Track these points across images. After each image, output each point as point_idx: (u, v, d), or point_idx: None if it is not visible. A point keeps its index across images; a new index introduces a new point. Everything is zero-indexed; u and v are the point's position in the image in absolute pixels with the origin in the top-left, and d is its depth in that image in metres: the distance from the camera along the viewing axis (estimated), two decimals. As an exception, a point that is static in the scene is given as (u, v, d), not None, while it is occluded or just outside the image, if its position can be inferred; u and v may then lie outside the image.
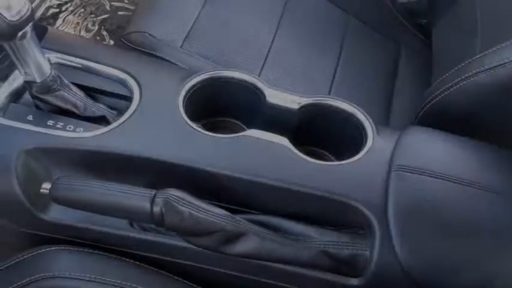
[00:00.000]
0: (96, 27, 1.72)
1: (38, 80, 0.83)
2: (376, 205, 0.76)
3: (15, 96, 0.90)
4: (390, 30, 1.38)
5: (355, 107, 0.91)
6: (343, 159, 0.85)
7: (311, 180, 0.79)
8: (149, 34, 1.14)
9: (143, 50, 1.10)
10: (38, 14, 1.71)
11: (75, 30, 1.70)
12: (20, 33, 0.75)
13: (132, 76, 0.90)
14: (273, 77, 1.13)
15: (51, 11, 1.74)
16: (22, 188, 0.78)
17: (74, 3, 1.77)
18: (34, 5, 1.72)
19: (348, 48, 1.29)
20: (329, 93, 1.16)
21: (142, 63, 0.96)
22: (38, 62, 0.82)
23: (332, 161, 0.95)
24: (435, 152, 0.85)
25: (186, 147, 0.82)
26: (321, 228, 0.79)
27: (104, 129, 0.84)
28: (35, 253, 0.77)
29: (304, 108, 0.91)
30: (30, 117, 0.85)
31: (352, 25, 1.35)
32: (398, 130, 0.90)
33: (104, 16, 1.76)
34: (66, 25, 1.71)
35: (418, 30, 1.40)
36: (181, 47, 1.14)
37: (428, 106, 0.98)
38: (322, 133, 0.95)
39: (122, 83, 0.91)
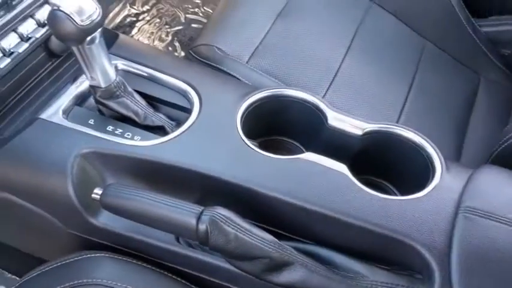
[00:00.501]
0: (170, 38, 1.76)
1: (103, 86, 0.85)
2: (438, 249, 0.69)
3: (80, 99, 0.92)
4: (470, 59, 1.29)
5: (424, 139, 0.84)
6: (405, 193, 0.79)
7: (369, 214, 0.74)
8: (217, 48, 1.13)
9: (210, 63, 1.09)
10: (116, 21, 1.78)
11: (149, 40, 1.75)
12: (88, 38, 0.77)
13: (194, 88, 0.90)
14: (338, 99, 1.09)
15: (129, 19, 1.79)
16: (75, 190, 0.79)
17: (150, 13, 1.82)
18: (113, 13, 1.79)
19: (423, 75, 1.22)
20: (397, 122, 1.10)
21: (206, 77, 0.95)
22: (104, 68, 0.83)
23: (392, 193, 0.89)
24: (510, 196, 0.77)
25: (240, 165, 0.79)
26: (373, 266, 0.73)
27: (161, 139, 0.83)
28: (79, 257, 0.77)
29: (369, 135, 0.86)
30: (91, 121, 0.87)
31: (429, 51, 1.28)
32: (470, 168, 0.82)
33: (178, 28, 1.79)
34: (141, 34, 1.76)
35: (500, 61, 1.30)
36: (247, 62, 1.12)
37: (505, 144, 0.90)
38: (384, 163, 0.89)
39: (184, 94, 0.90)
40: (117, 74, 0.87)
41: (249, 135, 0.85)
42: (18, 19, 0.89)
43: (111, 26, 1.75)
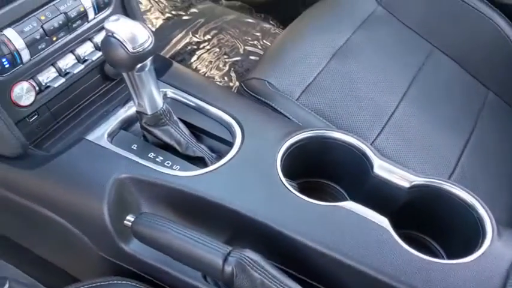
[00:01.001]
0: (227, 68, 1.77)
1: (149, 113, 0.85)
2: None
3: (127, 123, 0.93)
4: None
5: (477, 199, 0.78)
6: (449, 253, 0.74)
7: (407, 275, 0.69)
8: (268, 83, 1.12)
9: (259, 97, 1.08)
10: (177, 48, 1.82)
11: (207, 68, 1.78)
12: (139, 65, 0.78)
13: (238, 122, 0.89)
14: (387, 147, 1.04)
15: (190, 47, 1.83)
16: (110, 214, 0.79)
17: (211, 42, 1.85)
18: (175, 40, 1.84)
19: (482, 128, 1.15)
20: (450, 176, 1.03)
21: (252, 111, 0.94)
22: (152, 96, 0.84)
23: (436, 250, 0.83)
24: None
25: (274, 207, 0.77)
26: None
27: (199, 171, 0.83)
28: (106, 283, 0.76)
29: (416, 188, 0.81)
30: (134, 147, 0.87)
31: (491, 102, 1.22)
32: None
33: (235, 58, 1.81)
34: (200, 62, 1.79)
35: None
36: (297, 99, 1.11)
37: None
38: (430, 219, 0.83)
39: (228, 127, 0.89)
40: (165, 101, 0.87)
41: (289, 175, 0.82)
42: (76, 41, 0.92)
43: (171, 52, 1.80)
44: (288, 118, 1.03)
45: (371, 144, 0.87)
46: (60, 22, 0.87)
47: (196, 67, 1.77)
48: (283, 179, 0.80)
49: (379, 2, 1.37)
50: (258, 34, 1.90)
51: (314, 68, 1.17)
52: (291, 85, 1.13)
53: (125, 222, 0.75)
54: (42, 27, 0.85)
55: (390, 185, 0.82)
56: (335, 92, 1.13)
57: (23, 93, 0.86)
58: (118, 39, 0.75)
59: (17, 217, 0.93)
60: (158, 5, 1.94)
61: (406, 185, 0.81)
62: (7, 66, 0.82)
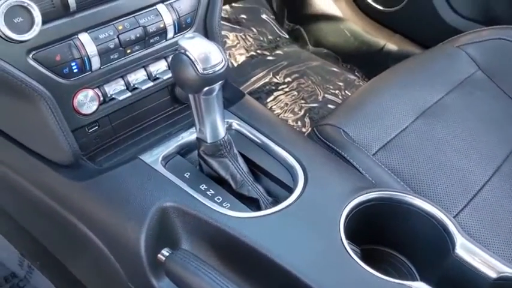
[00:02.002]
0: (302, 113, 1.71)
1: (209, 141, 0.78)
2: None
3: (185, 149, 0.86)
4: None
5: None
6: None
7: None
8: (344, 132, 1.03)
9: (331, 145, 0.99)
10: (256, 86, 1.78)
11: (281, 110, 1.72)
12: (206, 88, 0.71)
13: (302, 167, 0.79)
14: (472, 225, 0.89)
15: (268, 87, 1.79)
16: (147, 242, 0.72)
17: (290, 85, 1.80)
18: (255, 77, 1.80)
19: None
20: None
21: (320, 158, 0.84)
22: (215, 123, 0.77)
23: None
24: None
25: (332, 274, 0.65)
26: None
27: (251, 214, 0.73)
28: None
29: (504, 281, 0.67)
30: (187, 175, 0.80)
31: None
32: None
33: (313, 105, 1.74)
34: (276, 103, 1.73)
35: None
36: (374, 155, 1.00)
37: None
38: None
39: (290, 170, 0.80)
40: (228, 132, 0.80)
41: (352, 238, 0.71)
42: (150, 57, 0.88)
43: (249, 89, 1.76)
44: (360, 172, 0.92)
45: (454, 218, 0.74)
46: (138, 35, 0.84)
47: (271, 107, 1.71)
48: (345, 242, 0.68)
49: (479, 66, 1.25)
50: (340, 84, 1.82)
51: (397, 125, 1.07)
52: (368, 138, 1.03)
53: (159, 256, 0.67)
54: (118, 37, 0.82)
55: (473, 271, 0.68)
56: (418, 154, 1.01)
57: (86, 101, 0.82)
58: (189, 58, 0.69)
59: (56, 228, 0.89)
60: (245, 42, 1.93)
61: (493, 275, 0.67)
62: (75, 70, 0.79)
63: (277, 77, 1.83)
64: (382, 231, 0.78)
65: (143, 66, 0.88)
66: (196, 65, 0.69)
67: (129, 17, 0.84)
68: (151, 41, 0.87)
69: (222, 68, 0.71)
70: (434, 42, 1.37)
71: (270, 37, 1.98)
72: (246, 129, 0.88)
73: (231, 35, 1.91)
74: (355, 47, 1.86)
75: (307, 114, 1.71)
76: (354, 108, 1.13)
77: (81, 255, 0.88)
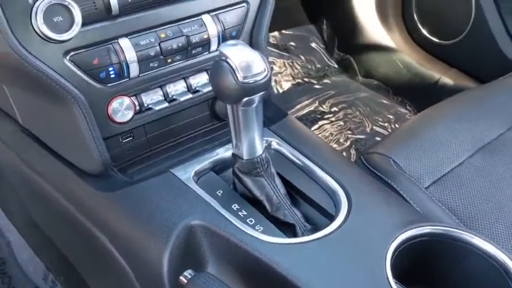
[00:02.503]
0: (347, 144, 1.63)
1: (245, 157, 0.72)
2: None
3: (220, 166, 0.81)
4: None
5: None
6: None
7: None
8: (393, 161, 0.95)
9: (379, 174, 0.91)
10: (300, 113, 1.73)
11: (326, 139, 1.65)
12: (246, 99, 0.66)
13: (347, 194, 0.72)
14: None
15: (313, 115, 1.73)
16: (170, 262, 0.66)
17: (337, 115, 1.73)
18: (301, 105, 1.75)
19: None
20: None
21: (367, 186, 0.77)
22: (252, 139, 0.71)
23: None
24: None
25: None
26: None
27: (285, 240, 0.66)
28: None
29: None
30: (219, 193, 0.74)
31: None
32: None
33: (360, 136, 1.66)
34: (321, 132, 1.66)
35: None
36: (426, 188, 0.91)
37: None
38: None
39: (332, 196, 0.73)
40: (266, 151, 0.74)
41: (399, 277, 0.62)
42: (192, 69, 0.84)
43: (294, 116, 1.71)
44: (410, 205, 0.84)
45: None
46: (180, 44, 0.80)
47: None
48: (392, 281, 0.60)
49: (545, 100, 1.15)
50: (390, 117, 1.74)
51: (452, 159, 0.98)
52: (420, 170, 0.95)
53: (181, 278, 0.61)
54: (159, 44, 0.79)
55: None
56: (475, 191, 0.92)
57: (121, 109, 0.79)
58: (230, 65, 0.64)
59: (79, 240, 0.84)
60: (292, 69, 1.88)
61: None
62: (112, 76, 0.76)
63: (324, 106, 1.77)
64: (432, 271, 0.69)
65: (183, 78, 0.84)
66: (237, 72, 0.64)
67: (172, 25, 0.80)
68: (193, 51, 0.83)
69: (264, 78, 0.65)
70: (493, 77, 1.28)
71: (318, 66, 1.93)
72: (286, 149, 0.82)
73: (279, 62, 1.87)
74: (407, 79, 1.78)
75: (353, 146, 1.63)
76: (405, 138, 1.05)
77: (103, 271, 0.83)
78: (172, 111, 0.84)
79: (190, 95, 0.84)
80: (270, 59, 1.86)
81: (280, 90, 1.82)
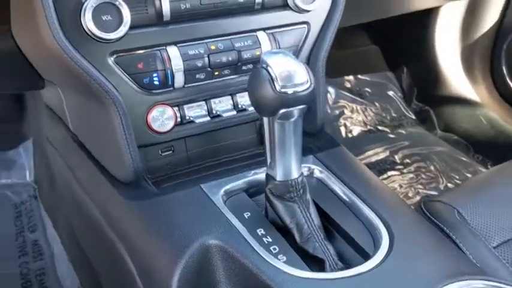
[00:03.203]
0: (417, 199, 1.49)
1: (278, 178, 0.65)
2: None
3: (256, 188, 0.74)
4: None
5: None
6: None
7: None
8: (458, 212, 0.84)
9: (437, 222, 0.80)
10: (369, 161, 1.62)
11: (394, 191, 1.52)
12: (283, 111, 0.60)
13: (390, 233, 0.62)
14: None
15: (382, 165, 1.62)
16: (179, 282, 0.59)
17: (408, 168, 1.60)
18: (372, 152, 1.65)
19: None
20: None
21: (416, 228, 0.66)
22: (288, 159, 0.64)
23: None
24: None
25: None
26: None
27: (311, 274, 0.58)
28: None
29: None
30: (246, 215, 0.68)
31: None
32: None
33: (432, 192, 1.52)
34: (388, 182, 1.54)
35: None
36: (495, 248, 0.78)
37: None
38: None
39: (373, 233, 0.63)
40: (307, 180, 0.67)
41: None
42: (240, 86, 0.80)
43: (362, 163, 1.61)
44: (469, 259, 0.71)
45: None
46: (230, 59, 0.77)
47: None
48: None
49: None
50: (468, 175, 1.58)
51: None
52: (490, 227, 0.83)
53: None
54: (208, 56, 0.76)
55: None
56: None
57: (162, 118, 0.76)
58: (269, 73, 0.59)
59: (105, 256, 0.81)
60: (365, 115, 1.80)
61: None
62: (156, 83, 0.74)
63: (395, 156, 1.65)
64: None
65: (230, 94, 0.81)
66: (275, 81, 0.59)
67: (224, 38, 0.78)
68: (243, 68, 0.79)
69: (305, 90, 0.59)
70: None
71: (394, 115, 1.82)
72: (329, 179, 0.74)
73: (351, 106, 1.79)
74: (490, 136, 1.62)
75: (423, 201, 1.48)
76: (476, 190, 0.93)
77: (117, 281, 0.78)
78: (215, 128, 0.80)
79: (234, 113, 0.80)
80: (342, 102, 1.80)
81: (350, 136, 1.74)
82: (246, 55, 0.78)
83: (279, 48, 0.81)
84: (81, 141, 0.86)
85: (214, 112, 0.79)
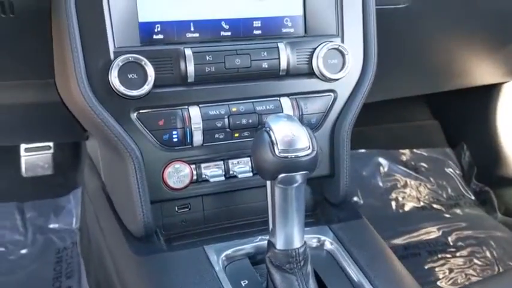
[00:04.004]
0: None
1: (277, 247, 0.63)
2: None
3: (261, 254, 0.71)
4: None
5: None
6: None
7: None
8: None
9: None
10: (417, 239, 1.51)
11: (442, 275, 1.40)
12: (283, 175, 0.59)
13: None
14: None
15: (432, 246, 1.50)
16: None
17: (461, 251, 1.47)
18: (420, 231, 1.54)
19: None
20: None
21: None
22: (290, 227, 0.62)
23: None
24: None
25: None
26: None
27: None
28: None
29: None
30: (243, 283, 0.66)
31: None
32: None
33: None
34: (436, 265, 1.42)
35: None
36: None
37: None
38: None
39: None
40: (306, 246, 0.63)
41: None
42: None
43: (409, 241, 1.51)
44: None
45: None
46: (250, 121, 0.78)
47: (428, 268, 1.42)
48: None
49: None
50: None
51: None
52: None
53: None
54: (228, 117, 0.77)
55: None
56: None
57: (177, 175, 0.77)
58: (270, 136, 0.59)
59: None
60: (418, 191, 1.71)
61: None
62: (175, 140, 0.75)
63: (448, 238, 1.54)
64: None
65: (249, 156, 0.80)
66: (275, 145, 0.58)
67: (246, 101, 0.78)
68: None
69: (307, 156, 0.58)
70: None
71: (451, 193, 1.72)
72: (339, 254, 0.70)
73: (404, 180, 1.72)
74: (558, 225, 1.47)
75: (473, 290, 1.35)
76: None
77: None
78: (231, 188, 0.80)
79: (250, 174, 0.79)
80: (395, 175, 1.73)
81: (400, 211, 1.65)
82: (266, 119, 0.78)
83: (302, 114, 0.80)
84: (108, 191, 0.88)
85: (231, 172, 0.79)
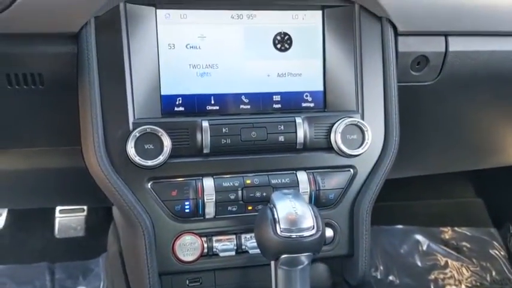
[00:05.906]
0: None
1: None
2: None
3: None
4: None
5: None
6: None
7: None
8: None
9: None
10: None
11: None
12: (285, 256, 0.57)
13: None
14: None
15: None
16: None
17: None
18: None
19: None
20: None
21: None
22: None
23: None
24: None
25: None
26: None
27: None
28: None
29: None
30: None
31: None
32: None
33: None
34: None
35: None
36: None
37: None
38: None
39: None
40: None
41: None
42: None
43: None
44: None
45: None
46: (264, 194, 0.76)
47: None
48: None
49: None
50: None
51: None
52: None
53: None
54: (242, 190, 0.76)
55: None
56: None
57: (188, 247, 0.75)
58: (273, 214, 0.57)
59: None
60: (459, 273, 1.60)
61: None
62: (187, 211, 0.75)
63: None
64: None
65: None
66: (277, 223, 0.56)
67: (261, 173, 0.78)
68: None
69: (311, 236, 0.56)
70: None
71: (495, 276, 1.60)
72: None
73: (445, 260, 1.61)
74: None
75: None
76: None
77: None
78: (242, 264, 0.77)
79: (257, 251, 0.76)
80: (435, 255, 1.63)
81: (439, 293, 1.54)
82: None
83: (319, 189, 0.78)
84: (124, 257, 0.88)
85: (243, 247, 0.77)
